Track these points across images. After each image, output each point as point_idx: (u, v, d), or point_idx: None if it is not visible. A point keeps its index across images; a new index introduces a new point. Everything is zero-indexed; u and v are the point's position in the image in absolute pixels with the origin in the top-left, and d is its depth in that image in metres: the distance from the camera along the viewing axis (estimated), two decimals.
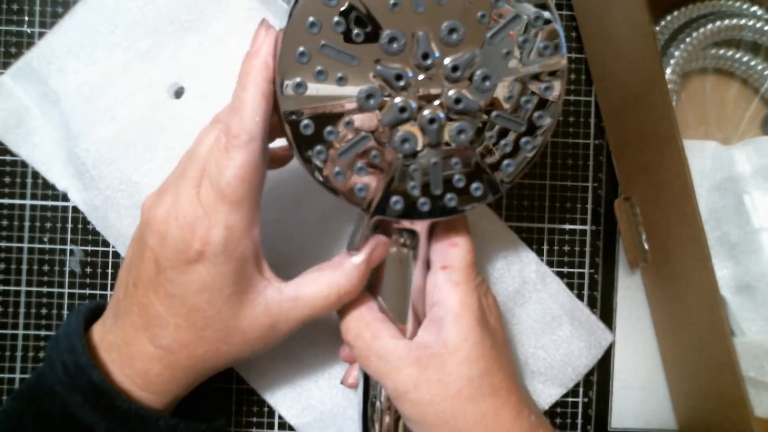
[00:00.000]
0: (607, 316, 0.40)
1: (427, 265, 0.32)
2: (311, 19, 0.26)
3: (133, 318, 0.29)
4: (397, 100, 0.28)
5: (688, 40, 0.38)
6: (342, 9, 0.26)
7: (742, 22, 0.38)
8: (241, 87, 0.27)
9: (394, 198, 0.29)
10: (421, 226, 0.30)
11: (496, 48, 0.28)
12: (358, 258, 0.30)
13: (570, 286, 0.40)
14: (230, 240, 0.27)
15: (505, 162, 0.29)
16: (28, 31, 0.38)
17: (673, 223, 0.34)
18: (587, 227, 0.40)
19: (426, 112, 0.28)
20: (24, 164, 0.38)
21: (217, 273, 0.27)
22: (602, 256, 0.40)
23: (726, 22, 0.38)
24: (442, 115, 0.28)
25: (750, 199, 0.37)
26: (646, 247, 0.38)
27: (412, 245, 0.31)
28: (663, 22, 0.39)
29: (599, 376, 0.40)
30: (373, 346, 0.29)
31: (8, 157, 0.38)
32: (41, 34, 0.38)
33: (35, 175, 0.38)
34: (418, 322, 0.31)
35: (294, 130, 0.27)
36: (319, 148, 0.28)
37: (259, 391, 0.38)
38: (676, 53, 0.38)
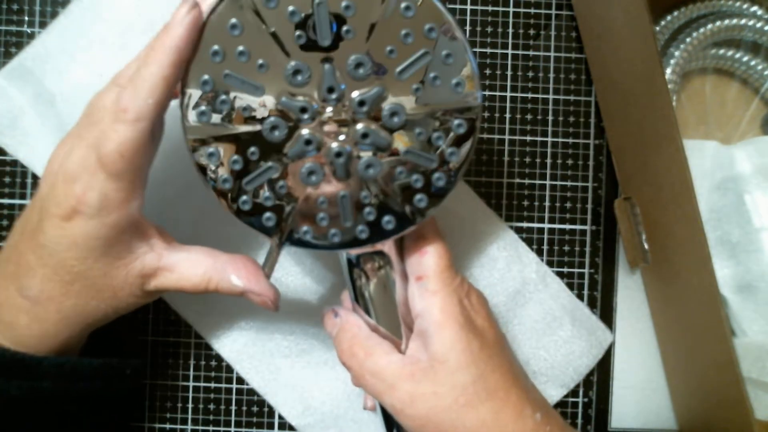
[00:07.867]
0: (607, 316, 0.40)
1: (407, 278, 0.31)
2: (215, 47, 0.26)
3: (8, 267, 0.29)
4: (304, 132, 0.27)
5: (688, 40, 0.38)
6: (248, 38, 0.26)
7: (742, 22, 0.38)
8: (144, 62, 0.26)
9: (304, 228, 0.28)
10: (387, 247, 0.30)
11: (406, 83, 0.27)
12: (239, 282, 0.29)
13: (570, 286, 0.40)
14: (104, 207, 0.26)
15: (417, 197, 0.29)
16: (28, 31, 0.38)
17: (673, 223, 0.34)
18: (587, 227, 0.40)
19: (333, 146, 0.27)
20: (24, 164, 0.38)
21: (90, 234, 0.27)
22: (602, 256, 0.40)
23: (726, 22, 0.38)
24: (349, 148, 0.28)
25: (750, 199, 0.37)
26: (646, 247, 0.38)
27: (386, 265, 0.31)
28: (663, 22, 0.39)
29: (599, 376, 0.40)
30: (367, 365, 0.29)
31: (8, 157, 0.38)
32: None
33: (35, 175, 0.38)
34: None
35: (199, 158, 0.27)
36: (225, 176, 0.28)
37: (260, 392, 0.38)
38: (676, 53, 0.38)
